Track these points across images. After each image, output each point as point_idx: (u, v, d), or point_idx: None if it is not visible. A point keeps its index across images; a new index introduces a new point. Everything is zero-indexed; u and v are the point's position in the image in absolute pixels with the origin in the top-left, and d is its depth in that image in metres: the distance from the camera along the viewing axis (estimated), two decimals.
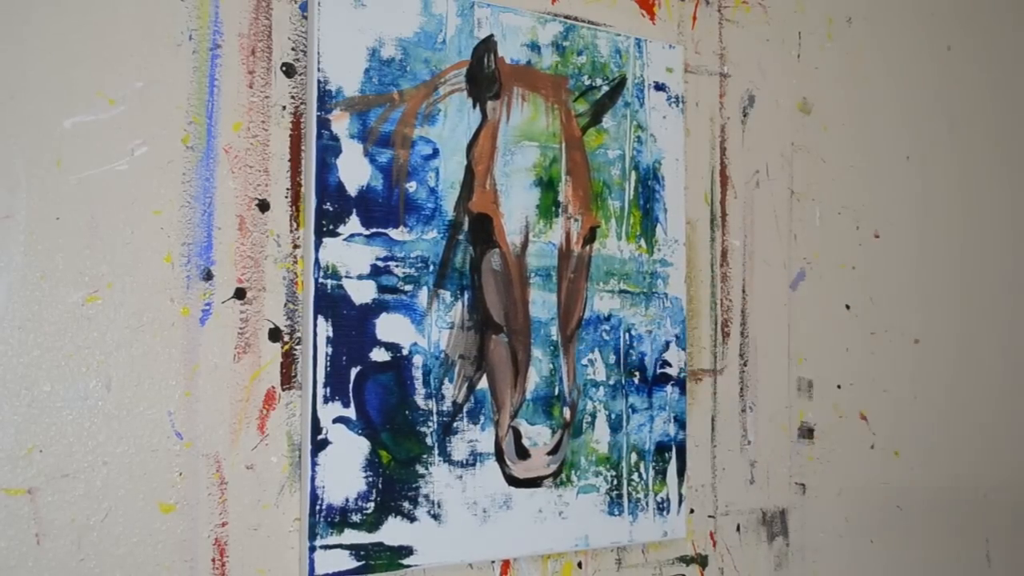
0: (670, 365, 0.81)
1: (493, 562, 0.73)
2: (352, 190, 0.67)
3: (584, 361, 0.76)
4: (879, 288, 1.00)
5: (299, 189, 0.67)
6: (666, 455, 0.81)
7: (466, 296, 0.71)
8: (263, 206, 0.66)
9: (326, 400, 0.65)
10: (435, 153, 0.71)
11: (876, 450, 0.98)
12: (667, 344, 0.81)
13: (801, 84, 0.95)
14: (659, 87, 0.82)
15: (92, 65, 0.60)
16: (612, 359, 0.78)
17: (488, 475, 0.71)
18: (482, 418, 0.71)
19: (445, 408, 0.70)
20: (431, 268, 0.70)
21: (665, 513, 0.80)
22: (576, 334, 0.76)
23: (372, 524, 0.66)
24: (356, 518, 0.65)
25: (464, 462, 0.70)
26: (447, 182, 0.71)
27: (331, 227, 0.66)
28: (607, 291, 0.78)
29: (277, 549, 0.64)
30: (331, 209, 0.66)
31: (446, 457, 0.69)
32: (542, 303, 0.74)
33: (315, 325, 0.65)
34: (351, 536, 0.65)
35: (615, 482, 0.77)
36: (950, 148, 1.08)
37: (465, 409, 0.70)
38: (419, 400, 0.69)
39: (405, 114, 0.69)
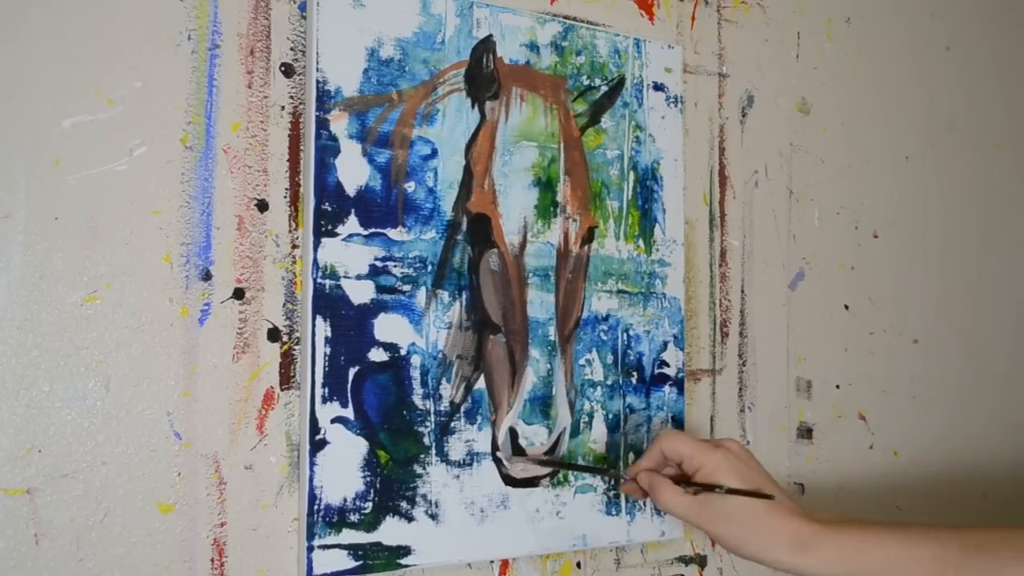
0: (668, 365, 0.81)
1: (492, 562, 0.73)
2: (351, 190, 0.67)
3: (582, 361, 0.77)
4: (878, 288, 1.00)
5: (298, 189, 0.67)
6: None
7: (464, 296, 0.71)
8: (262, 206, 0.66)
9: (324, 400, 0.65)
10: (434, 153, 0.71)
11: (875, 450, 0.99)
12: (665, 344, 0.81)
13: (800, 84, 0.95)
14: (658, 87, 0.82)
15: (91, 65, 0.60)
16: (610, 359, 0.78)
17: (485, 475, 0.71)
18: (479, 418, 0.71)
19: (443, 408, 0.70)
20: (429, 268, 0.70)
21: (663, 513, 0.80)
22: (574, 334, 0.76)
23: (370, 524, 0.66)
24: (354, 518, 0.66)
25: (461, 462, 0.70)
26: (445, 182, 0.71)
27: (330, 227, 0.66)
28: (605, 291, 0.78)
29: (276, 549, 0.65)
30: (330, 209, 0.66)
31: (443, 457, 0.69)
32: (540, 303, 0.74)
33: (314, 325, 0.65)
34: (349, 536, 0.65)
35: (612, 482, 0.77)
36: (950, 148, 1.08)
37: (463, 409, 0.71)
38: (417, 400, 0.69)
39: (404, 114, 0.69)
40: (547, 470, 0.74)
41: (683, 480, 0.68)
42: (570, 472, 0.75)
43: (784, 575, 0.65)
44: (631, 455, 0.79)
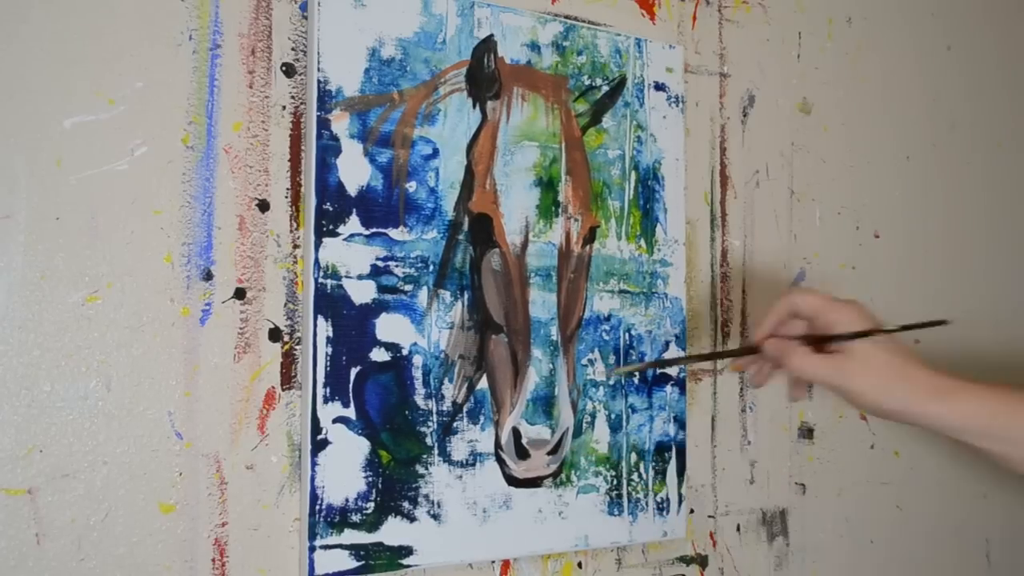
0: None
1: (493, 562, 0.73)
2: (352, 190, 0.67)
3: (584, 361, 0.76)
4: (880, 288, 1.00)
5: (299, 189, 0.67)
6: (666, 455, 0.81)
7: (466, 296, 0.71)
8: (263, 206, 0.66)
9: (326, 400, 0.65)
10: (435, 153, 0.71)
11: (876, 450, 0.98)
12: (667, 344, 0.81)
13: (801, 84, 0.95)
14: (659, 87, 0.82)
15: (92, 65, 0.60)
16: (612, 359, 0.78)
17: (488, 475, 0.71)
18: (482, 418, 0.71)
19: (445, 408, 0.70)
20: (431, 268, 0.70)
21: (665, 513, 0.80)
22: (576, 334, 0.76)
23: (372, 524, 0.66)
24: (356, 518, 0.65)
25: (464, 462, 0.70)
26: (447, 182, 0.71)
27: (331, 227, 0.66)
28: (607, 291, 0.78)
29: (277, 549, 0.65)
30: (331, 209, 0.66)
31: (446, 457, 0.69)
32: (542, 303, 0.74)
33: (315, 325, 0.65)
34: (351, 536, 0.65)
35: (615, 482, 0.77)
36: (950, 148, 1.08)
37: (465, 409, 0.70)
38: (419, 400, 0.69)
39: (405, 114, 0.69)
40: (551, 469, 0.74)
41: (816, 340, 0.67)
42: (572, 472, 0.75)
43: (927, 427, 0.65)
44: (633, 455, 0.79)
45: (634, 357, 0.79)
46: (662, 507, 0.80)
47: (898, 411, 0.65)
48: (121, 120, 0.61)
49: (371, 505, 0.66)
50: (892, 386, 0.64)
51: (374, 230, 0.68)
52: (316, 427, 0.64)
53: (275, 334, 0.65)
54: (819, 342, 0.66)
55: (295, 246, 0.66)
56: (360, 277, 0.67)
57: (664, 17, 0.86)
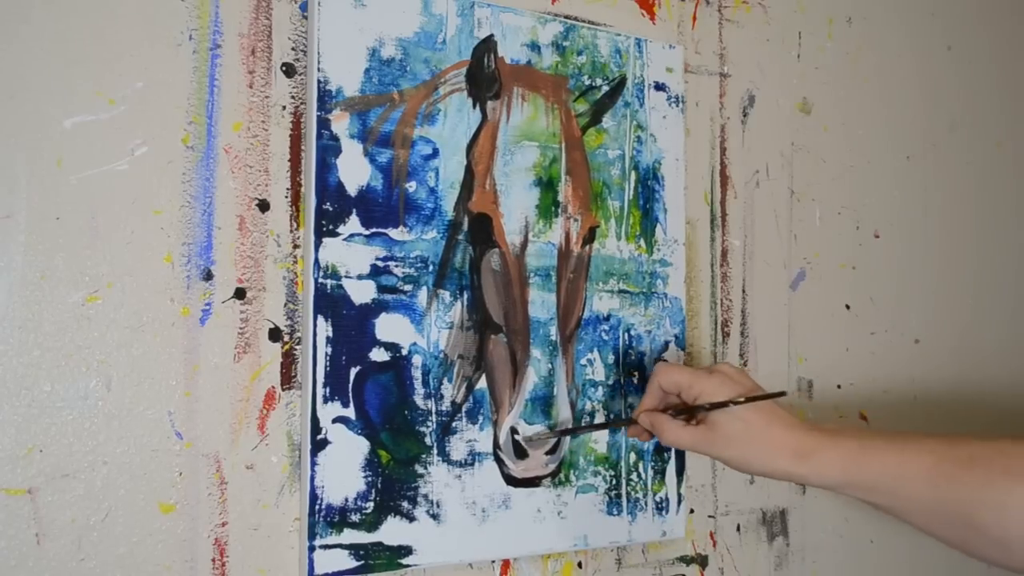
0: None
1: (493, 562, 0.73)
2: (352, 190, 0.67)
3: (583, 361, 0.77)
4: (879, 288, 1.00)
5: (299, 189, 0.67)
6: (665, 455, 0.81)
7: (465, 296, 0.71)
8: (263, 206, 0.66)
9: (326, 400, 0.65)
10: (435, 153, 0.71)
11: None
12: (666, 344, 0.81)
13: (801, 84, 0.95)
14: (659, 87, 0.82)
15: (92, 65, 0.60)
16: (611, 359, 0.78)
17: (487, 475, 0.71)
18: (481, 418, 0.71)
19: (444, 408, 0.70)
20: (431, 268, 0.70)
21: (664, 513, 0.80)
22: (575, 334, 0.76)
23: (371, 524, 0.66)
24: (355, 518, 0.66)
25: (463, 462, 0.70)
26: (447, 182, 0.71)
27: (331, 227, 0.66)
28: (606, 291, 0.78)
29: (277, 549, 0.65)
30: (331, 209, 0.66)
31: (445, 457, 0.69)
32: (541, 303, 0.74)
33: (315, 325, 0.65)
34: (350, 536, 0.65)
35: (614, 482, 0.78)
36: (950, 148, 1.08)
37: (464, 409, 0.71)
38: (418, 400, 0.69)
39: (405, 114, 0.69)
40: (550, 469, 0.74)
41: (687, 409, 0.69)
42: (571, 472, 0.75)
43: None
44: (632, 455, 0.79)
45: (633, 357, 0.79)
46: (661, 507, 0.80)
47: (763, 473, 0.67)
48: (121, 120, 0.61)
49: (371, 505, 0.66)
50: (752, 452, 0.66)
51: (374, 230, 0.68)
52: (316, 427, 0.65)
53: (275, 334, 0.65)
54: (687, 413, 0.69)
55: (295, 246, 0.67)
56: (360, 277, 0.67)
57: (664, 17, 0.86)
